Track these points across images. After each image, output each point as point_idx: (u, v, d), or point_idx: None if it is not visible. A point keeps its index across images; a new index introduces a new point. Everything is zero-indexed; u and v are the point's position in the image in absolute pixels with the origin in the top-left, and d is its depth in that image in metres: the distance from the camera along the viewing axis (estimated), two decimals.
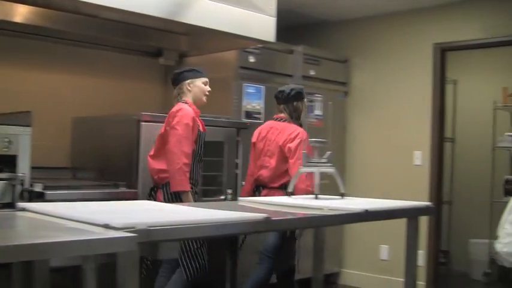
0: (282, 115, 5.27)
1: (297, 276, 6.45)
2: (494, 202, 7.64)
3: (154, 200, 4.53)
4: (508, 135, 7.69)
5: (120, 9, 4.11)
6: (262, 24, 4.96)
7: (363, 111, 7.24)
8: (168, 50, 6.09)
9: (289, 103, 5.24)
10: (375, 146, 7.08)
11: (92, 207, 2.97)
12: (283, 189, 5.01)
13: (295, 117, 5.26)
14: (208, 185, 5.40)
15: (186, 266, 4.46)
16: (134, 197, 4.71)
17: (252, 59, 6.08)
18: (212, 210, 3.11)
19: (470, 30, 6.51)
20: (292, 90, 5.24)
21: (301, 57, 6.68)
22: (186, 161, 4.44)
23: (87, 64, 5.80)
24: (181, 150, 4.43)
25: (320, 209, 3.50)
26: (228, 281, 5.32)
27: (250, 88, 6.10)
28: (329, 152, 4.18)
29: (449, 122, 7.75)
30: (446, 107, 7.00)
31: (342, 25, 7.47)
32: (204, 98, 4.88)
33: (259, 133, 5.31)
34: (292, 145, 5.04)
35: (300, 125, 5.28)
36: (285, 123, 5.22)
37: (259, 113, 6.17)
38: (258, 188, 5.26)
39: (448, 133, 7.67)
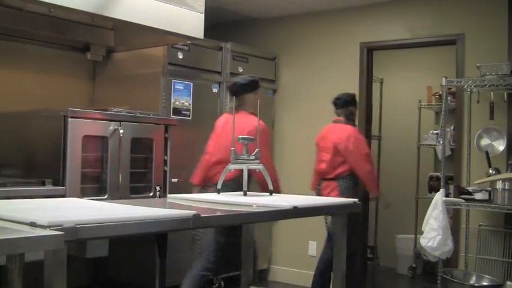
0: (339, 118, 6.11)
1: (226, 273, 6.48)
2: (420, 198, 7.84)
3: None
4: (433, 133, 7.87)
5: (45, 2, 4.02)
6: (190, 21, 4.94)
7: (290, 109, 7.30)
8: (95, 45, 5.99)
9: (344, 108, 6.09)
10: (303, 143, 7.13)
11: (17, 204, 2.91)
12: (337, 180, 5.88)
13: (351, 119, 6.13)
14: (136, 182, 5.36)
15: (215, 259, 5.08)
16: (62, 194, 4.63)
17: (180, 56, 6.05)
18: (141, 207, 3.09)
19: (396, 30, 6.63)
20: (348, 96, 6.15)
21: (230, 54, 6.69)
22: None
23: (11, 58, 5.66)
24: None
25: (249, 205, 3.51)
26: (156, 278, 5.30)
27: (178, 85, 6.07)
28: (257, 149, 4.19)
29: (376, 120, 7.88)
30: (373, 105, 7.11)
31: (270, 22, 7.51)
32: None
33: (321, 134, 6.17)
34: (349, 144, 5.88)
35: (354, 126, 6.15)
36: (341, 125, 6.04)
37: (188, 110, 6.15)
38: (320, 180, 6.08)
39: (374, 131, 7.80)
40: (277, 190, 4.91)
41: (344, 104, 6.11)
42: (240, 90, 5.30)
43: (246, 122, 5.10)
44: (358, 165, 5.89)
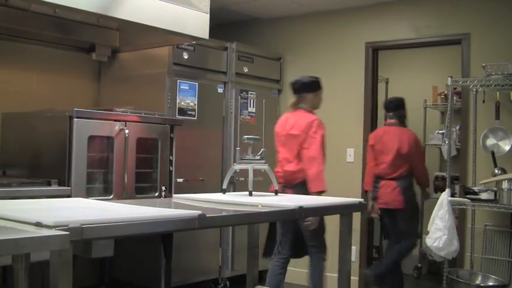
0: (392, 121, 6.34)
1: (231, 273, 6.49)
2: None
3: None
4: (438, 133, 7.86)
5: (50, 2, 4.02)
6: (195, 21, 4.94)
7: None
8: (100, 45, 6.00)
9: (396, 111, 6.34)
10: None
11: (23, 205, 2.91)
12: (397, 180, 6.16)
13: (403, 122, 6.38)
14: (142, 182, 5.37)
15: (323, 249, 5.47)
16: (67, 195, 4.64)
17: (185, 56, 6.05)
18: (147, 207, 3.09)
19: (401, 30, 6.61)
20: (399, 100, 6.42)
21: (235, 54, 6.68)
22: (323, 165, 5.22)
23: (17, 59, 5.67)
24: (321, 156, 5.20)
25: (254, 205, 3.51)
26: (162, 278, 5.31)
27: (184, 85, 6.07)
28: (263, 149, 4.19)
29: (381, 120, 7.86)
30: (379, 105, 7.09)
31: (275, 23, 7.50)
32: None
33: (375, 136, 6.39)
34: (412, 148, 6.19)
35: (405, 127, 6.41)
36: (400, 128, 6.30)
37: (193, 110, 6.15)
38: (377, 179, 6.29)
39: None
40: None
41: (396, 107, 6.37)
42: (301, 89, 5.44)
43: (304, 118, 5.30)
44: (417, 166, 6.30)
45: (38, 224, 2.20)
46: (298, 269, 7.17)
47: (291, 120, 5.34)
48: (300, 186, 5.18)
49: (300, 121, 5.28)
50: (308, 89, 5.45)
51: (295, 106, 5.43)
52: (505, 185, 5.33)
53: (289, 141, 5.30)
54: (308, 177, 5.13)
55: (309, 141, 5.19)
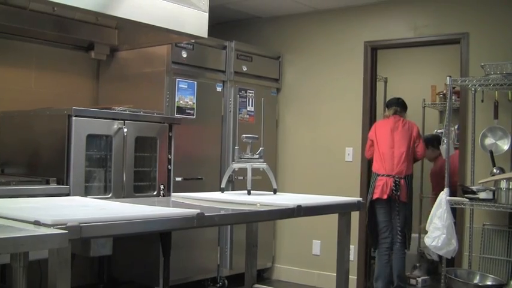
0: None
1: (230, 272, 6.49)
2: (424, 197, 7.82)
3: (399, 185, 6.02)
4: (437, 132, 7.86)
5: (49, 0, 4.02)
6: (194, 19, 4.93)
7: (295, 108, 7.29)
8: (99, 44, 6.00)
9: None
10: (307, 142, 7.13)
11: (22, 203, 2.92)
12: None
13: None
14: (140, 181, 5.37)
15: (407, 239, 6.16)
16: (66, 193, 4.64)
17: (184, 54, 6.04)
18: (145, 206, 3.09)
19: (401, 29, 6.61)
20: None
21: (234, 53, 6.67)
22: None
23: (16, 57, 5.67)
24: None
25: (253, 204, 3.52)
26: (161, 277, 5.31)
27: (182, 83, 6.07)
28: (261, 148, 4.19)
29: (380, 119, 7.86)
30: (378, 105, 7.09)
31: (274, 21, 7.50)
32: None
33: None
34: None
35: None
36: None
37: (192, 109, 6.14)
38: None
39: None
40: None
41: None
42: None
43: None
44: None
45: (37, 223, 2.20)
46: (299, 268, 7.18)
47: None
48: None
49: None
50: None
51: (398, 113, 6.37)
52: (503, 184, 5.33)
53: None
54: None
55: None
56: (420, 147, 6.23)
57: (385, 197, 5.99)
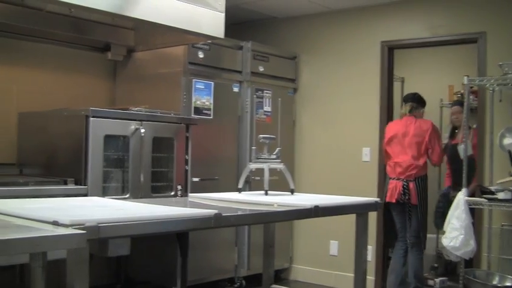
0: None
1: (247, 273, 6.49)
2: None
3: (408, 188, 5.97)
4: None
5: (66, 2, 4.03)
6: (211, 20, 4.94)
7: (311, 108, 7.28)
8: (115, 45, 6.02)
9: None
10: (324, 142, 7.12)
11: (40, 204, 2.93)
12: None
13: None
14: (157, 181, 5.37)
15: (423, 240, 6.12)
16: (84, 193, 4.65)
17: (201, 55, 6.05)
18: (162, 206, 3.09)
19: (417, 29, 6.58)
20: None
21: (250, 54, 6.67)
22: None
23: (34, 58, 5.70)
24: None
25: (270, 205, 3.51)
26: (178, 277, 5.32)
27: (199, 84, 6.07)
28: (278, 148, 4.19)
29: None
30: (394, 104, 7.07)
31: (290, 21, 7.49)
32: None
33: None
34: None
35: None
36: None
37: (208, 109, 6.15)
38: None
39: None
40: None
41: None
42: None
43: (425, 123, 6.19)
44: None
45: (55, 223, 2.21)
46: (316, 269, 7.17)
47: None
48: None
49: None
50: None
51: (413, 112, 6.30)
52: None
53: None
54: None
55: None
56: (435, 155, 6.11)
57: (393, 200, 5.97)
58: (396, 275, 6.12)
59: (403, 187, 5.94)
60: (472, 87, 5.98)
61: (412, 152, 6.00)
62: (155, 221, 2.61)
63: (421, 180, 6.02)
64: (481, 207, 5.65)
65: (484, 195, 5.55)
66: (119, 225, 2.43)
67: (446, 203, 6.61)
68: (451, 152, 6.92)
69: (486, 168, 6.00)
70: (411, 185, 5.95)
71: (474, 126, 6.39)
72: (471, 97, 6.17)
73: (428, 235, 7.69)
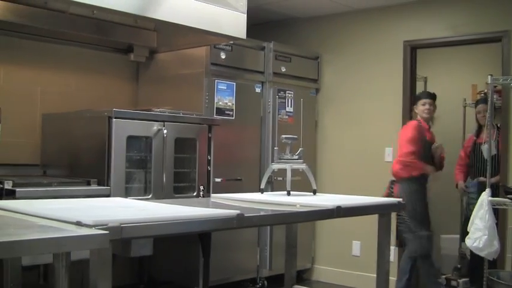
0: None
1: (269, 273, 6.49)
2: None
3: (392, 190, 5.97)
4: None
5: (88, 4, 4.06)
6: (232, 21, 4.94)
7: (334, 108, 7.26)
8: (138, 46, 6.05)
9: None
10: (346, 143, 7.10)
11: (63, 204, 2.94)
12: None
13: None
14: (180, 182, 5.39)
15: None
16: (106, 194, 4.68)
17: (223, 56, 6.06)
18: (185, 207, 3.10)
19: (440, 28, 6.55)
20: None
21: (272, 54, 6.67)
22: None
23: (57, 60, 5.74)
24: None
25: (292, 205, 3.51)
26: (200, 277, 5.33)
27: (221, 85, 6.08)
28: (301, 149, 4.18)
29: None
30: None
31: (312, 22, 7.48)
32: (425, 115, 6.17)
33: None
34: None
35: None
36: None
37: (231, 110, 6.15)
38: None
39: None
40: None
41: None
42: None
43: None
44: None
45: (78, 223, 2.22)
46: (338, 269, 7.16)
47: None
48: None
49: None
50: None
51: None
52: None
53: None
54: None
55: None
56: (394, 163, 6.19)
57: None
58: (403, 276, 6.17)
59: (389, 186, 6.13)
60: (495, 86, 5.93)
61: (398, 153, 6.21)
62: (178, 222, 2.62)
63: (405, 183, 6.00)
64: (504, 207, 5.61)
65: (508, 196, 5.50)
66: (142, 226, 2.44)
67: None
68: (474, 149, 6.89)
69: (510, 169, 5.95)
70: (395, 186, 6.05)
71: (498, 125, 6.34)
72: (495, 96, 6.11)
73: (451, 236, 7.67)
